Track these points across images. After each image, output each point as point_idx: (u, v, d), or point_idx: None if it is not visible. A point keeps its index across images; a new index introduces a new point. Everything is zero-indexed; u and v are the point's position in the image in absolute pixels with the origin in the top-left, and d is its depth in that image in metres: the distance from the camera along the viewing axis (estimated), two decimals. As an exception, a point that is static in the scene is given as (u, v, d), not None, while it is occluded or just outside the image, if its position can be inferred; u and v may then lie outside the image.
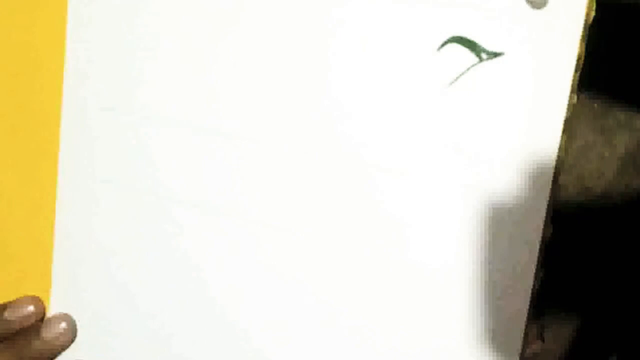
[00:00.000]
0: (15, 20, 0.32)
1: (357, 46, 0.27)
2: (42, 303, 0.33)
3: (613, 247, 0.45)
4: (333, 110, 0.28)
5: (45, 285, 0.33)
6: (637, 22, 0.44)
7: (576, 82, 0.25)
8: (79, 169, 0.32)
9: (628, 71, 0.45)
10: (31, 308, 0.32)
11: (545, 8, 0.25)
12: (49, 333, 0.32)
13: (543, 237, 0.26)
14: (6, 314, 0.32)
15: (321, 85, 0.28)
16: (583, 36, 0.25)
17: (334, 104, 0.28)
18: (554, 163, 0.25)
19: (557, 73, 0.25)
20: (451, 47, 0.26)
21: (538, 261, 0.26)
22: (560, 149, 0.25)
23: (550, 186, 0.25)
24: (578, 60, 0.25)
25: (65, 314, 0.32)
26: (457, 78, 0.26)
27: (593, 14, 0.25)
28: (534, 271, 0.26)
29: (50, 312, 0.33)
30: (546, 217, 0.26)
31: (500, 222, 0.26)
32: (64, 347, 0.32)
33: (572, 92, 0.25)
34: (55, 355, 0.32)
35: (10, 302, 0.32)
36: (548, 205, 0.25)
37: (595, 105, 0.46)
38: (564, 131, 0.25)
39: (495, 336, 0.26)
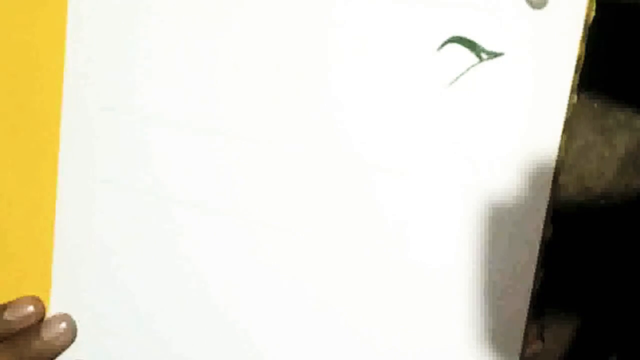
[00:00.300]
0: (15, 20, 0.32)
1: (357, 46, 0.27)
2: (42, 303, 0.33)
3: (613, 247, 0.45)
4: (333, 110, 0.28)
5: (45, 285, 0.33)
6: (637, 22, 0.44)
7: (576, 82, 0.25)
8: (79, 169, 0.32)
9: (628, 71, 0.45)
10: (31, 308, 0.32)
11: (545, 8, 0.25)
12: (49, 333, 0.32)
13: (543, 237, 0.26)
14: (6, 314, 0.32)
15: (321, 85, 0.28)
16: (583, 36, 0.25)
17: (334, 104, 0.28)
18: (554, 163, 0.25)
19: (557, 73, 0.25)
20: (451, 47, 0.26)
21: (538, 261, 0.26)
22: (560, 149, 0.25)
23: (550, 186, 0.25)
24: (578, 60, 0.25)
25: (65, 314, 0.32)
26: (457, 78, 0.26)
27: (593, 14, 0.25)
28: (534, 271, 0.26)
29: (50, 312, 0.33)
30: (546, 217, 0.26)
31: (500, 222, 0.26)
32: (64, 347, 0.32)
33: (572, 92, 0.25)
34: (55, 355, 0.32)
35: (10, 302, 0.32)
36: (548, 205, 0.25)
37: (595, 105, 0.46)
38: (564, 131, 0.25)
39: (495, 336, 0.26)
